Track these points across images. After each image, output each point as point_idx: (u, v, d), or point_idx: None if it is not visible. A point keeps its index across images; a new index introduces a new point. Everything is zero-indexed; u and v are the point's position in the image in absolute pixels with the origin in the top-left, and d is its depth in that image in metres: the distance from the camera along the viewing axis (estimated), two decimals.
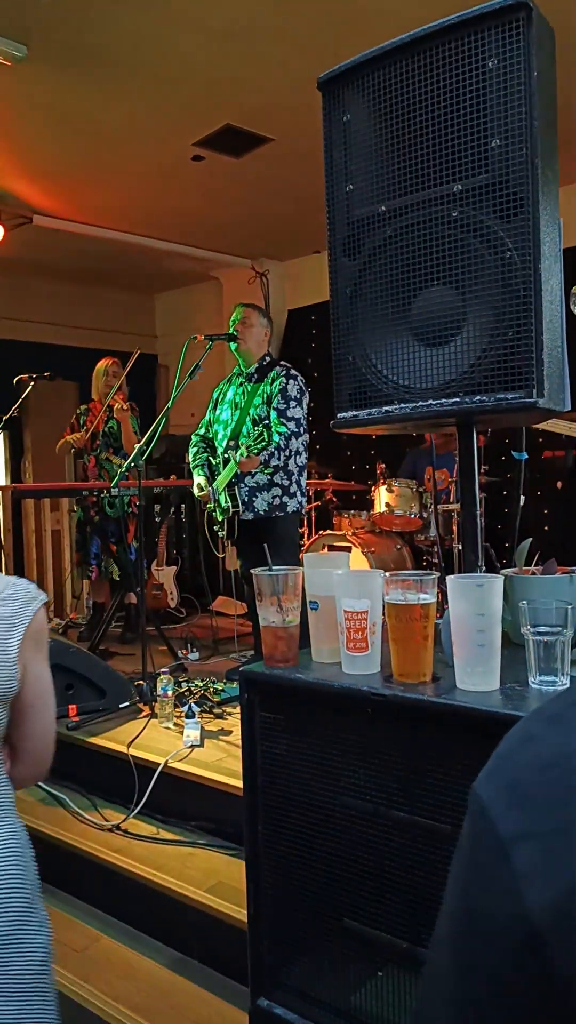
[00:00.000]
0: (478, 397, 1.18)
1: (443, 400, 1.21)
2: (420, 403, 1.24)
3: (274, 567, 1.34)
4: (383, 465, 4.84)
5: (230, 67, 3.69)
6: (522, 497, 2.22)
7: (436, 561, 4.53)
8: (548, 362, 1.16)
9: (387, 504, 4.67)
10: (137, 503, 4.39)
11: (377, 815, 1.16)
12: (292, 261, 6.65)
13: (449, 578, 1.14)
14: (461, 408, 1.20)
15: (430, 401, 1.23)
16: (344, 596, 1.24)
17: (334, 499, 5.27)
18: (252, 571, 1.35)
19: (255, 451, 3.43)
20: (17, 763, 1.29)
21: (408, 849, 1.12)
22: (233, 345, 3.73)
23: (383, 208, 1.27)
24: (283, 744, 1.30)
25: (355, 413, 1.32)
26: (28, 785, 1.32)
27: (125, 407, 4.52)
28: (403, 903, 1.12)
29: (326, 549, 4.73)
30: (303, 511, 3.81)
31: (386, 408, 1.28)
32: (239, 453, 3.39)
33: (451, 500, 4.44)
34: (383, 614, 1.23)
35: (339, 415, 1.34)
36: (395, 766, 1.14)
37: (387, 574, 1.23)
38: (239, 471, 3.49)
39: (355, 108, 1.29)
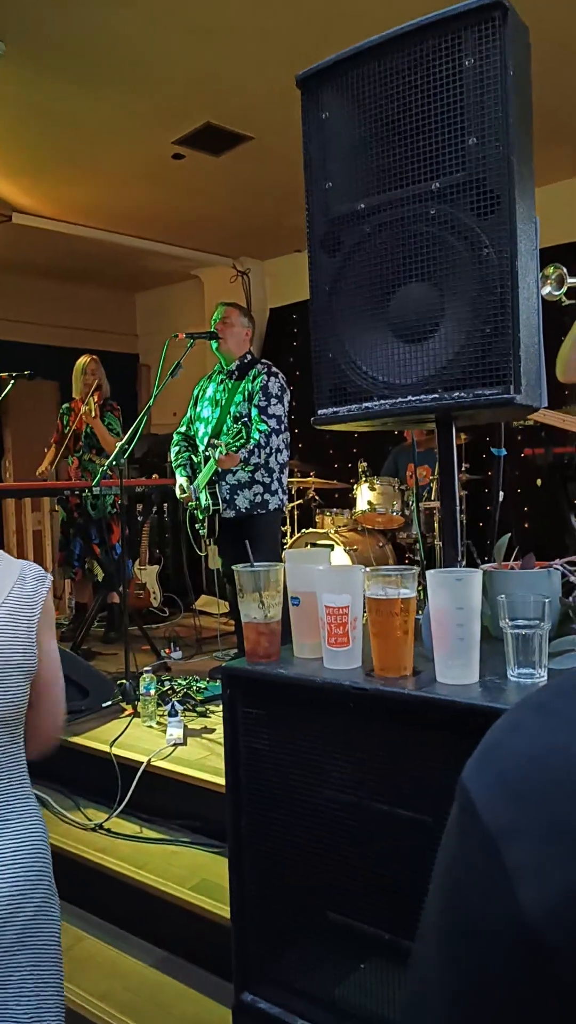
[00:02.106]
0: (456, 393, 1.19)
1: (422, 396, 1.22)
2: (399, 399, 1.25)
3: (256, 563, 1.35)
4: (365, 463, 4.86)
5: (210, 66, 3.69)
6: (501, 493, 2.23)
7: (418, 559, 4.55)
8: (525, 359, 1.17)
9: (369, 502, 4.69)
10: (119, 503, 4.38)
11: (359, 808, 1.17)
12: (273, 260, 6.66)
13: (429, 572, 1.15)
14: (440, 404, 1.21)
15: (409, 397, 1.24)
16: (325, 591, 1.25)
17: (316, 497, 5.29)
18: (234, 567, 1.36)
19: (234, 448, 3.43)
20: (28, 742, 1.30)
21: (390, 841, 1.13)
22: (214, 344, 3.72)
23: (361, 205, 1.28)
24: (265, 739, 1.31)
25: (335, 409, 1.33)
26: (34, 760, 1.35)
27: (94, 412, 4.49)
28: (386, 895, 1.13)
29: (309, 547, 4.74)
30: (284, 509, 3.82)
31: (366, 404, 1.29)
32: (218, 451, 3.39)
33: (432, 497, 4.47)
34: (364, 609, 1.24)
35: (319, 411, 1.35)
36: (377, 759, 1.15)
37: (367, 569, 1.24)
38: (219, 468, 3.49)
39: (333, 106, 1.30)
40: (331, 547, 4.63)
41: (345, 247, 1.31)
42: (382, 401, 1.27)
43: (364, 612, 1.24)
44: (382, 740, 1.15)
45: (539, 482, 4.67)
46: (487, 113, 1.14)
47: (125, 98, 3.97)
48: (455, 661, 1.13)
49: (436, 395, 1.21)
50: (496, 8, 1.13)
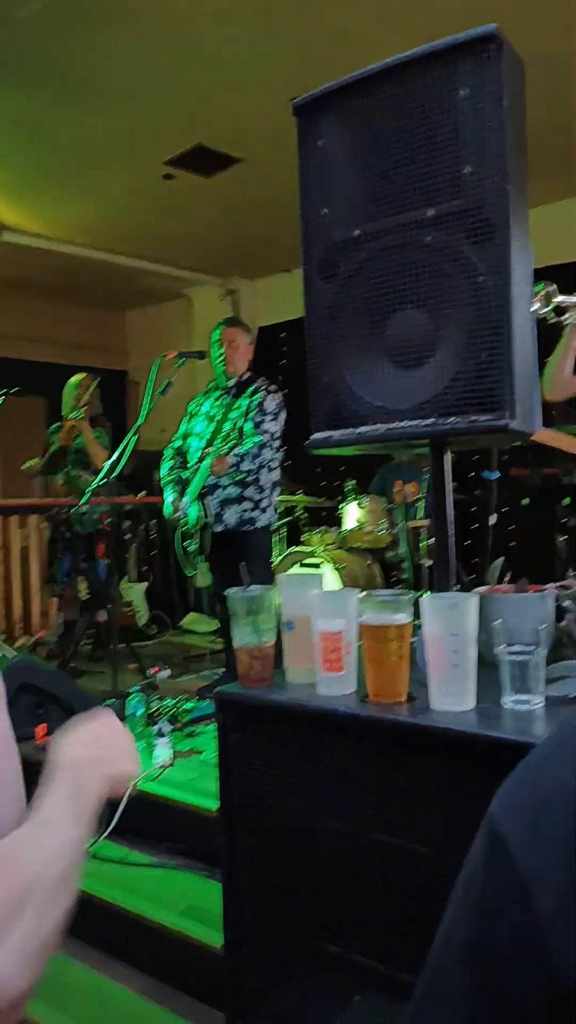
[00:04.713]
0: (452, 419, 1.20)
1: (417, 422, 1.23)
2: (395, 424, 1.25)
3: (250, 587, 1.34)
4: (353, 481, 4.87)
5: (203, 89, 3.72)
6: (493, 516, 2.24)
7: (406, 577, 4.56)
8: (519, 385, 1.18)
9: (357, 521, 4.69)
10: (107, 520, 4.35)
11: (355, 836, 1.15)
12: (262, 280, 6.70)
13: (424, 598, 1.15)
14: (435, 430, 1.21)
15: (404, 422, 1.24)
16: (319, 617, 1.24)
17: (304, 515, 5.29)
18: (226, 592, 1.35)
19: (224, 450, 3.43)
20: None
21: (386, 871, 1.11)
22: (220, 367, 3.70)
23: (358, 232, 1.29)
24: (259, 765, 1.29)
25: (330, 433, 1.33)
26: None
27: (77, 427, 4.45)
28: (382, 926, 1.11)
29: (297, 566, 4.74)
30: (274, 527, 3.81)
31: (361, 429, 1.29)
32: (209, 455, 3.39)
33: (419, 516, 4.48)
34: (359, 634, 1.23)
35: (314, 435, 1.35)
36: (371, 787, 1.14)
37: (362, 594, 1.23)
38: (211, 474, 3.47)
39: (330, 133, 1.31)
40: (319, 566, 4.63)
41: (342, 273, 1.31)
42: (377, 426, 1.27)
43: (359, 637, 1.24)
44: (377, 767, 1.14)
45: (526, 502, 4.70)
46: (483, 143, 1.15)
47: (117, 119, 4.00)
48: (450, 688, 1.12)
49: (431, 421, 1.21)
50: (491, 40, 1.15)
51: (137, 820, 2.62)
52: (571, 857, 0.31)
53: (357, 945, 1.15)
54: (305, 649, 1.30)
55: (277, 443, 3.61)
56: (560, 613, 1.38)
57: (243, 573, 1.45)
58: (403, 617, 1.18)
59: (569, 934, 0.30)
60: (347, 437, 1.31)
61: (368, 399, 1.29)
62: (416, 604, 1.19)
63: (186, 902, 2.25)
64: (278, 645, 1.35)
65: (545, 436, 2.89)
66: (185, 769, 2.78)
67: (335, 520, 5.02)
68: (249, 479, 3.53)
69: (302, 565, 4.74)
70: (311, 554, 4.70)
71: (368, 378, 1.29)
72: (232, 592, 1.34)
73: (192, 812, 2.48)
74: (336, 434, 1.32)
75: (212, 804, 1.36)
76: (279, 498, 3.86)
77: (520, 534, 5.03)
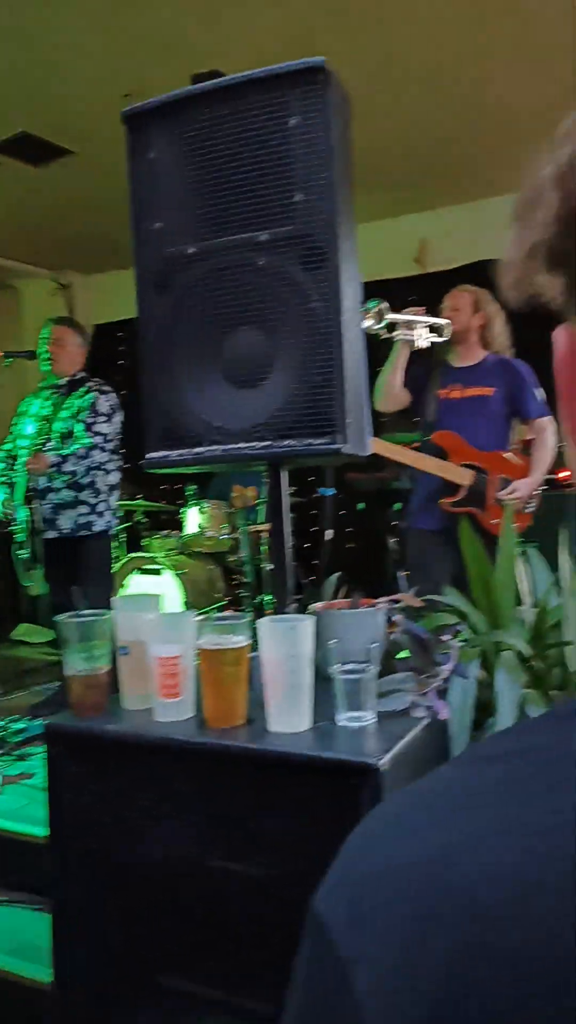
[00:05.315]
0: (287, 442, 1.21)
1: (254, 443, 1.23)
2: (231, 445, 1.25)
3: (81, 612, 1.28)
4: (194, 486, 4.83)
5: (30, 74, 3.54)
6: (330, 531, 2.30)
7: (247, 581, 4.59)
8: (351, 409, 1.21)
9: (198, 525, 4.67)
10: None
11: (191, 864, 1.14)
12: (99, 275, 6.48)
13: (260, 620, 1.15)
14: (271, 452, 1.22)
15: (241, 444, 1.24)
16: (155, 642, 1.21)
17: (145, 520, 5.18)
18: (56, 619, 1.28)
19: (40, 447, 3.29)
20: None
21: (223, 898, 1.11)
22: (45, 365, 3.53)
23: (192, 249, 1.27)
24: (92, 795, 1.24)
25: (166, 453, 1.30)
26: None
27: None
28: (221, 954, 1.11)
29: (137, 572, 4.63)
30: (114, 532, 3.70)
31: (198, 449, 1.28)
32: (26, 453, 3.24)
33: (260, 520, 4.53)
34: (196, 658, 1.22)
35: (148, 455, 1.32)
36: (210, 812, 1.13)
37: (199, 617, 1.22)
38: (28, 472, 3.31)
39: (161, 146, 1.28)
40: (160, 572, 4.55)
41: (176, 288, 1.29)
42: (214, 447, 1.26)
43: (196, 659, 1.22)
44: (214, 793, 1.13)
45: (361, 507, 4.89)
46: (313, 172, 1.17)
47: None
48: (287, 709, 1.13)
49: (267, 443, 1.22)
50: (319, 72, 1.17)
51: None
52: (393, 935, 0.31)
53: (197, 975, 1.13)
54: (141, 674, 1.26)
55: (112, 445, 3.49)
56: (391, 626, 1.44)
57: (76, 596, 1.39)
58: (241, 640, 1.18)
59: (389, 1012, 0.30)
60: (184, 457, 1.29)
61: (205, 418, 1.28)
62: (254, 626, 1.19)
63: (15, 940, 2.13)
64: (113, 669, 1.31)
65: (377, 446, 3.02)
66: (14, 796, 2.63)
67: (176, 524, 4.96)
68: (84, 481, 3.40)
69: (142, 571, 4.64)
70: (152, 559, 4.61)
71: (204, 397, 1.28)
72: (62, 619, 1.27)
73: (21, 842, 2.35)
74: (173, 454, 1.30)
75: (44, 832, 1.29)
76: (117, 503, 3.75)
77: (355, 536, 5.23)
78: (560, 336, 0.39)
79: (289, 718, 1.13)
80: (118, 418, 3.54)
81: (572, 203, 0.35)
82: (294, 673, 1.13)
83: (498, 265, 0.40)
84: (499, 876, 0.30)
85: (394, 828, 0.35)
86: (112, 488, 3.56)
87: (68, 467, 3.31)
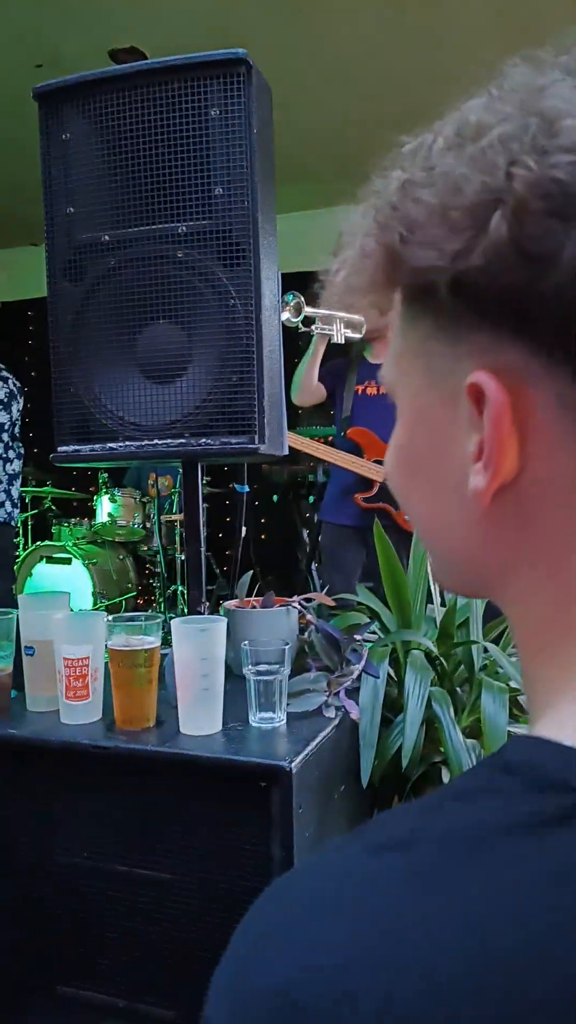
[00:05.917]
0: (203, 440, 1.19)
1: (169, 440, 1.20)
2: (146, 442, 1.22)
3: None
4: (106, 473, 4.72)
5: None
6: (243, 528, 2.30)
7: (159, 571, 4.53)
8: (269, 409, 1.21)
9: (110, 514, 4.57)
10: None
11: (95, 871, 1.11)
12: (5, 251, 6.22)
13: (173, 622, 1.13)
14: (187, 450, 1.20)
15: (156, 441, 1.21)
16: (64, 642, 1.18)
17: (53, 508, 5.03)
18: None
19: None
20: None
21: (127, 903, 1.09)
22: None
23: (106, 237, 1.22)
24: None
25: (77, 448, 1.26)
26: None
27: None
28: (121, 959, 1.09)
29: (44, 561, 4.50)
30: (15, 523, 3.57)
31: (111, 444, 1.24)
32: None
33: (173, 509, 4.47)
34: (105, 658, 1.19)
35: (59, 448, 1.27)
36: (116, 817, 1.11)
37: (110, 617, 1.19)
38: None
39: (76, 127, 1.23)
40: (69, 561, 4.44)
41: (89, 277, 1.24)
42: (128, 443, 1.22)
43: (105, 659, 1.19)
44: (122, 798, 1.10)
45: (276, 498, 4.90)
46: (232, 166, 1.15)
47: None
48: (198, 711, 1.12)
49: (183, 440, 1.20)
50: (240, 64, 1.15)
51: None
52: None
53: (97, 982, 1.11)
54: (47, 675, 1.22)
55: (9, 433, 3.37)
56: (303, 626, 1.45)
57: None
58: (152, 640, 1.16)
59: None
60: (96, 452, 1.25)
61: (119, 413, 1.24)
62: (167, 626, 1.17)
63: None
64: (17, 670, 1.26)
65: (292, 440, 3.03)
66: None
67: (87, 512, 4.83)
68: None
69: (50, 560, 4.50)
70: (61, 548, 4.48)
71: (118, 391, 1.24)
72: None
73: None
74: (85, 449, 1.26)
75: None
76: (24, 489, 3.62)
77: (269, 526, 5.24)
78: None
79: (201, 720, 1.12)
80: (17, 405, 3.42)
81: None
82: (206, 676, 1.12)
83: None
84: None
85: (284, 935, 0.33)
86: (12, 477, 3.43)
87: None
